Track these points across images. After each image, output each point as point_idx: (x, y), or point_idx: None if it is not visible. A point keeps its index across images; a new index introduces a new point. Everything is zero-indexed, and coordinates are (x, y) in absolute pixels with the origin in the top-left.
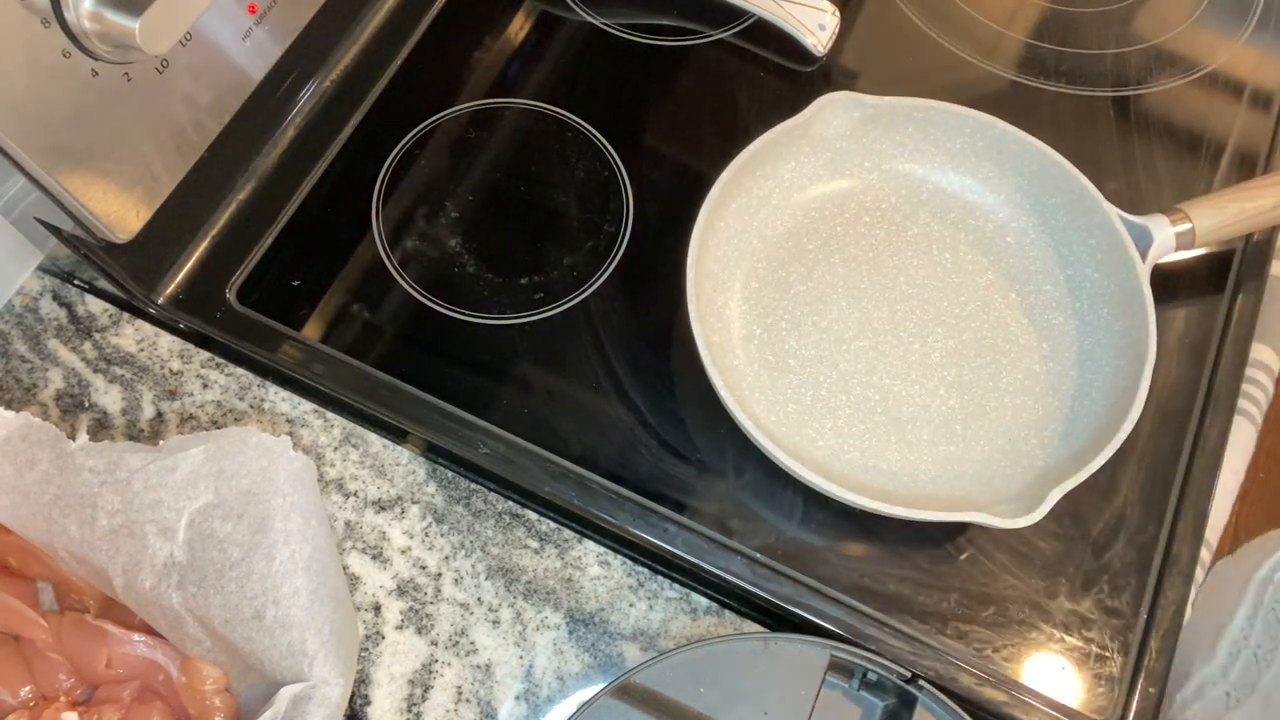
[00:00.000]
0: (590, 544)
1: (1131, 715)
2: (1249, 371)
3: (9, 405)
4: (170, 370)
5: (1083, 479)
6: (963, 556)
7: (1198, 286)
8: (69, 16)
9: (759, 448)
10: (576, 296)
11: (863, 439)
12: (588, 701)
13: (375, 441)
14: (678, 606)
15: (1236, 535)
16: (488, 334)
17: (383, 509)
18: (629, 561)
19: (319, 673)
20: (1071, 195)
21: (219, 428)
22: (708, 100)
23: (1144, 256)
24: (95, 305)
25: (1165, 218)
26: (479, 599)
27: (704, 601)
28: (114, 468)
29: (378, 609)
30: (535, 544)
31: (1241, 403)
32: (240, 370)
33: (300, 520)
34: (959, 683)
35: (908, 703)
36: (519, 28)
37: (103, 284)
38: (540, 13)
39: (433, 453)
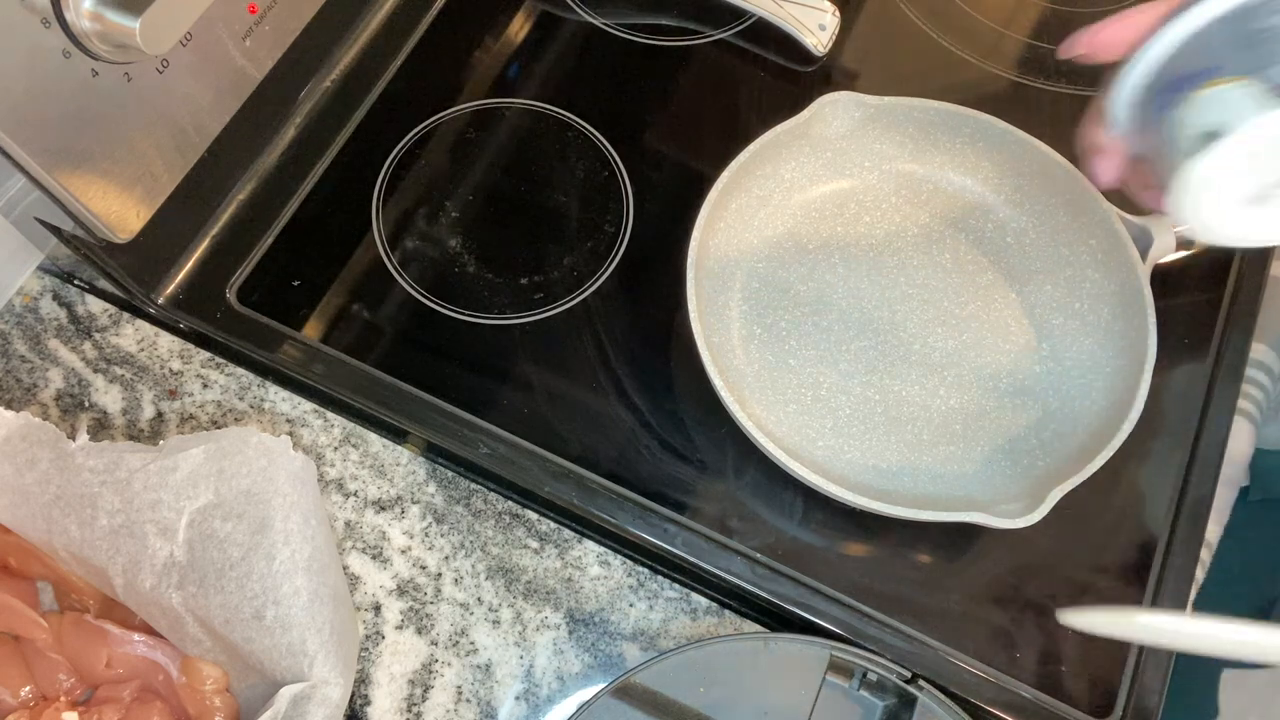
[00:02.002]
0: (590, 544)
1: (1131, 715)
2: (1249, 371)
3: (9, 405)
4: (170, 370)
5: (1083, 479)
6: (963, 556)
7: (1198, 286)
8: (69, 16)
9: (759, 448)
10: (576, 296)
11: (863, 439)
12: (588, 701)
13: (375, 441)
14: (678, 606)
15: None
16: (488, 334)
17: (383, 509)
18: (629, 561)
19: (319, 673)
20: (1071, 195)
21: (219, 428)
22: (708, 100)
23: (1144, 256)
24: (95, 305)
25: (1165, 218)
26: (479, 599)
27: (704, 601)
28: (114, 468)
29: (378, 609)
30: (535, 544)
31: (1241, 403)
32: (240, 370)
33: (300, 520)
34: (959, 683)
35: (908, 703)
36: (519, 28)
37: (103, 284)
38: (540, 13)
39: (433, 453)
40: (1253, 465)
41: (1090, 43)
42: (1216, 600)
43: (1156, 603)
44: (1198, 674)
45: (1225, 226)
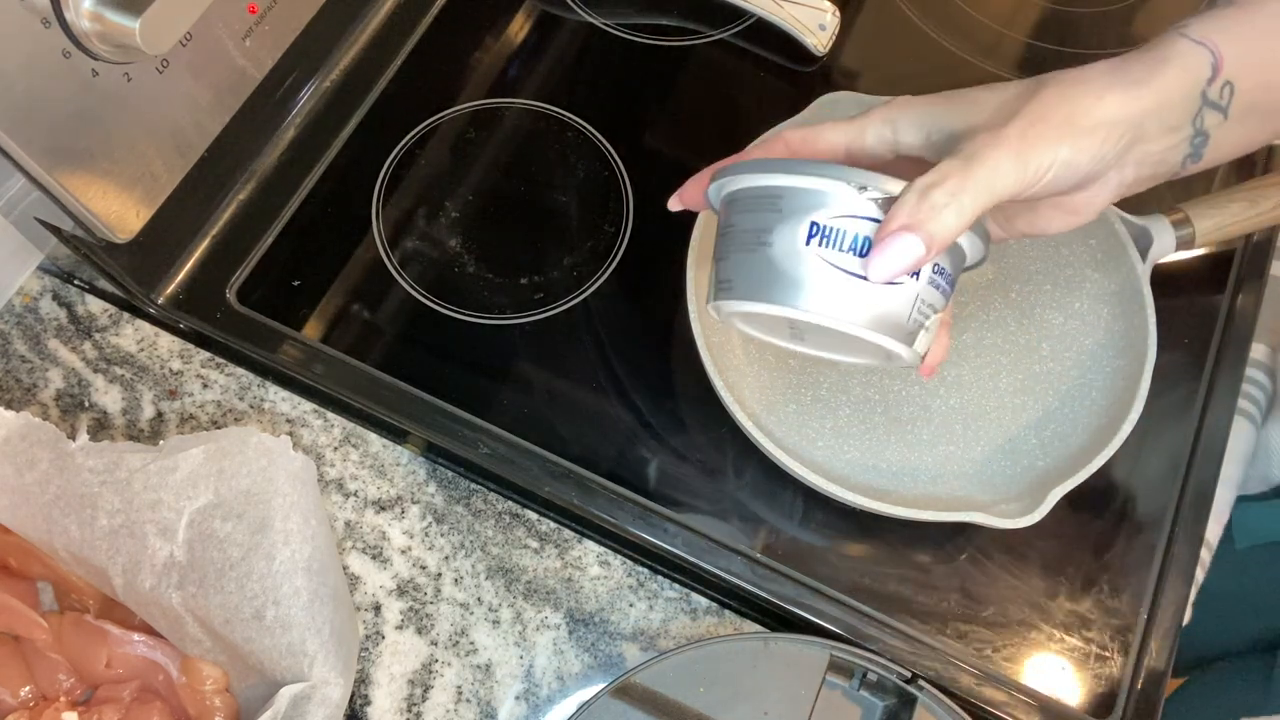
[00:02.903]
0: (590, 544)
1: (1131, 715)
2: (1249, 371)
3: (9, 405)
4: (170, 370)
5: (1083, 479)
6: (963, 556)
7: (1198, 286)
8: (69, 16)
9: (759, 448)
10: (576, 296)
11: (863, 439)
12: (588, 701)
13: (375, 441)
14: (678, 606)
15: None
16: (488, 334)
17: (383, 509)
18: (629, 561)
19: (319, 673)
20: None
21: (219, 428)
22: (708, 100)
23: (1144, 256)
24: (95, 305)
25: (1165, 218)
26: (479, 599)
27: (704, 601)
28: (114, 468)
29: (378, 609)
30: (535, 544)
31: (1241, 403)
32: (240, 370)
33: (300, 520)
34: (959, 683)
35: (908, 703)
36: (519, 28)
37: (103, 284)
38: (540, 13)
39: (433, 453)
40: (1233, 518)
41: (682, 200)
42: (1211, 640)
43: (1156, 603)
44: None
45: (749, 330)
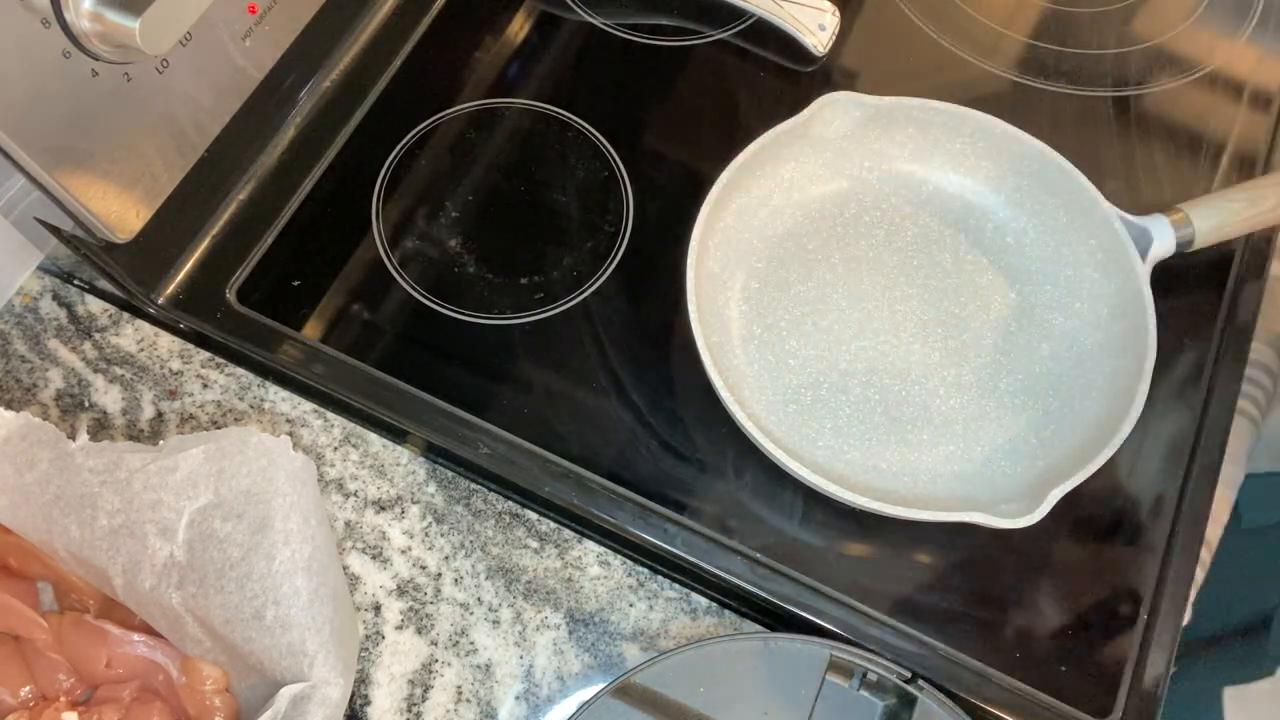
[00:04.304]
0: (590, 544)
1: (1131, 715)
2: (1249, 371)
3: (9, 405)
4: (170, 370)
5: (1083, 479)
6: (963, 556)
7: (1198, 286)
8: (69, 16)
9: (759, 448)
10: (576, 296)
11: (863, 439)
12: (588, 701)
13: (375, 441)
14: (678, 606)
15: None
16: (488, 334)
17: (383, 509)
18: (629, 561)
19: (319, 673)
20: (1071, 195)
21: (219, 428)
22: (708, 100)
23: (1144, 256)
24: (95, 305)
25: (1165, 218)
26: (479, 599)
27: (704, 601)
28: (114, 468)
29: (378, 609)
30: (535, 544)
31: (1241, 403)
32: (240, 370)
33: (300, 520)
34: (959, 683)
35: (908, 703)
36: (519, 28)
37: (103, 284)
38: (540, 13)
39: (433, 453)
40: (1242, 493)
41: None
42: (1212, 616)
43: (1156, 603)
44: (1200, 692)
45: None
